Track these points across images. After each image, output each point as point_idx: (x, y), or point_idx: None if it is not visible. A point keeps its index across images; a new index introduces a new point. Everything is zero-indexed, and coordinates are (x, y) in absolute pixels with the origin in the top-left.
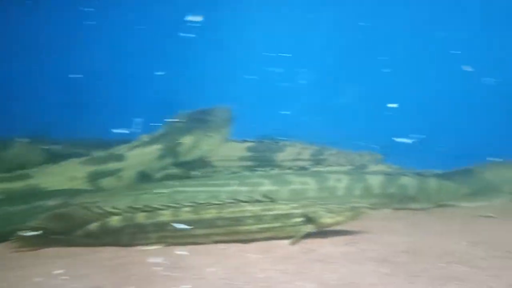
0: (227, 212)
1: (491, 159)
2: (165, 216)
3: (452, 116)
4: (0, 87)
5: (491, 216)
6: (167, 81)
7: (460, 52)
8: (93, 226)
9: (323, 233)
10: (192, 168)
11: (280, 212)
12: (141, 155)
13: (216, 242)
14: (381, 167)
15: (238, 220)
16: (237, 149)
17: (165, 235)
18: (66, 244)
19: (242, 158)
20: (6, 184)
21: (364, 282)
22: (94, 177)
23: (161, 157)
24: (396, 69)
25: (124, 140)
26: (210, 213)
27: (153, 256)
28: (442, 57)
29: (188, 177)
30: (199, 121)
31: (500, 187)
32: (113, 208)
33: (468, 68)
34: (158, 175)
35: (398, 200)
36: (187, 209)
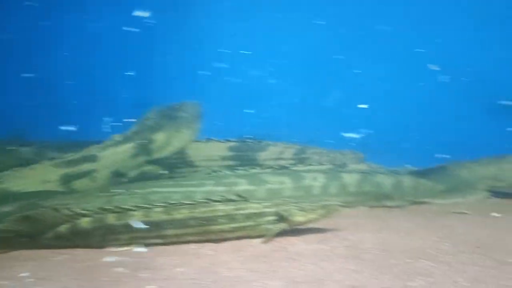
0: (199, 212)
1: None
2: (136, 217)
3: (420, 115)
4: None
5: (464, 213)
6: (136, 80)
7: (424, 50)
8: (63, 228)
9: (296, 231)
10: (173, 167)
11: (252, 211)
12: (114, 155)
13: (188, 242)
14: (362, 166)
15: (210, 220)
16: (220, 149)
17: (136, 236)
18: (36, 246)
19: (224, 158)
20: None
21: (330, 279)
22: (67, 179)
23: (135, 155)
24: (366, 70)
25: (97, 140)
26: (181, 213)
27: (122, 257)
28: (408, 57)
29: (170, 177)
30: (170, 117)
31: (474, 184)
32: (83, 209)
33: (435, 67)
34: (133, 173)
35: (374, 198)
36: (158, 209)
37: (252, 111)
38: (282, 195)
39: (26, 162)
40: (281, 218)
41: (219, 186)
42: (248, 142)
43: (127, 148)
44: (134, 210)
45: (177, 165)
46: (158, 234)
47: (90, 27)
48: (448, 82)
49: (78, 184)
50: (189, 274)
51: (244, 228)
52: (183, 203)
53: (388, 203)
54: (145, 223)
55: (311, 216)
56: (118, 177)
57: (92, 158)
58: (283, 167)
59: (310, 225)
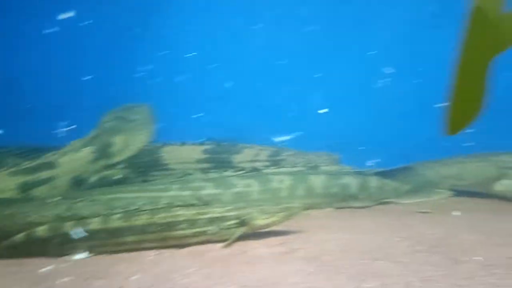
0: (159, 218)
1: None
2: (94, 224)
3: (374, 118)
4: None
5: (426, 212)
6: (94, 84)
7: (376, 51)
8: (19, 237)
9: (258, 234)
10: (147, 171)
11: (214, 215)
12: (73, 161)
13: (149, 248)
14: (335, 167)
15: (170, 225)
16: (194, 152)
17: (94, 244)
18: None
19: (199, 161)
20: None
21: (286, 281)
22: (25, 188)
23: (94, 160)
24: (326, 74)
25: (55, 147)
26: (141, 219)
27: (78, 266)
28: (362, 59)
29: (144, 180)
30: (125, 120)
31: (438, 183)
32: (40, 217)
33: (389, 70)
34: (93, 179)
35: (341, 199)
36: (117, 216)
37: (201, 114)
38: (249, 198)
39: None
40: (242, 222)
41: (184, 190)
42: (223, 144)
43: (87, 153)
44: (92, 218)
45: (151, 169)
46: (117, 241)
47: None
48: (400, 84)
49: (37, 192)
50: (145, 281)
51: (205, 233)
52: (143, 209)
53: (355, 204)
54: (104, 230)
55: (273, 219)
56: (78, 183)
57: (50, 165)
58: (254, 169)
59: (273, 228)
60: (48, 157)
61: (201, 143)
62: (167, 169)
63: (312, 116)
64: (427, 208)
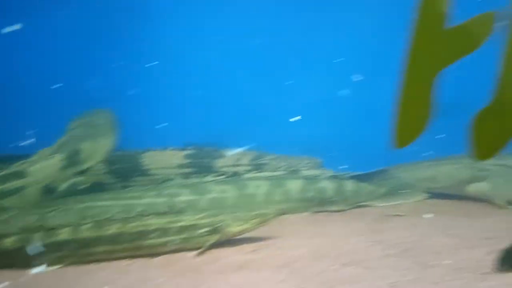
0: (130, 227)
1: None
2: (64, 234)
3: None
4: None
5: (401, 215)
6: (62, 92)
7: (344, 59)
8: None
9: (231, 241)
10: (128, 177)
11: (186, 223)
12: (44, 169)
13: (120, 258)
14: (316, 171)
15: (142, 235)
16: (176, 157)
17: (64, 254)
18: None
19: (180, 166)
20: None
21: None
22: None
23: (64, 167)
24: (297, 81)
25: (22, 156)
26: (112, 229)
27: (47, 278)
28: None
29: (124, 186)
30: (90, 126)
31: (414, 186)
32: (8, 228)
33: (358, 78)
34: (64, 186)
35: (317, 203)
36: (87, 226)
37: (166, 124)
38: (224, 204)
39: None
40: (215, 230)
41: (160, 197)
42: (205, 149)
43: (56, 160)
44: (62, 228)
45: (131, 174)
46: (87, 251)
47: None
48: (369, 90)
49: (6, 202)
50: None
51: (178, 241)
52: (113, 218)
53: (331, 208)
54: (74, 241)
55: (246, 226)
56: (49, 191)
57: (20, 174)
58: (235, 174)
59: (247, 234)
60: (17, 166)
61: (183, 148)
62: (147, 175)
63: (283, 123)
64: (402, 211)
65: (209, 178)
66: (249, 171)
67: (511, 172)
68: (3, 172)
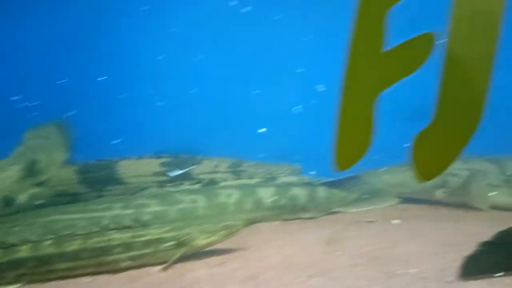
0: (93, 242)
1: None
2: (23, 252)
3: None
4: None
5: (371, 221)
6: (20, 104)
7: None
8: None
9: (199, 254)
10: (102, 186)
11: (151, 237)
12: (2, 180)
13: (82, 275)
14: (294, 178)
15: (105, 250)
16: (151, 165)
17: (23, 272)
18: None
19: (156, 174)
20: None
21: None
22: None
23: (22, 178)
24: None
25: None
26: (73, 245)
27: None
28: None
29: (99, 196)
30: (45, 137)
31: (386, 191)
32: None
33: (321, 88)
34: (23, 198)
35: (289, 211)
36: (48, 242)
37: (119, 140)
38: (194, 215)
39: None
40: (181, 243)
41: (127, 209)
42: (181, 157)
43: (14, 171)
44: (22, 245)
45: (106, 184)
46: (48, 269)
47: None
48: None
49: None
50: None
51: (142, 256)
52: (75, 233)
53: (303, 215)
54: (34, 258)
55: (213, 238)
56: (7, 204)
57: None
58: (212, 182)
59: (215, 246)
60: None
61: (159, 156)
62: (122, 183)
63: (251, 134)
64: (373, 217)
65: (184, 186)
66: (226, 178)
67: (480, 175)
68: None
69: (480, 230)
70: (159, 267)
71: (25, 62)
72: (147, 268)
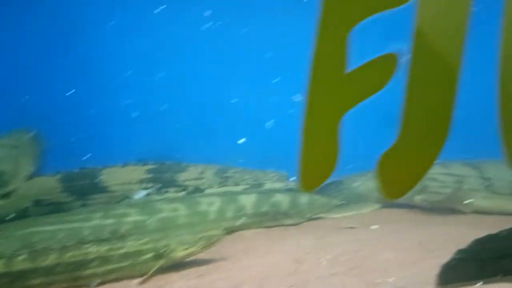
0: (68, 257)
1: None
2: None
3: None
4: None
5: (353, 227)
6: None
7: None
8: None
9: (178, 265)
10: (86, 195)
11: (128, 250)
12: None
13: None
14: (280, 185)
15: (81, 264)
16: (137, 172)
17: None
18: None
19: (142, 181)
20: None
21: None
22: None
23: None
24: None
25: None
26: (48, 259)
27: None
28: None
29: (83, 205)
30: (12, 147)
31: (368, 196)
32: None
33: (298, 98)
34: None
35: (271, 218)
36: (22, 257)
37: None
38: (175, 224)
39: None
40: (160, 255)
41: (107, 219)
42: (167, 163)
43: None
44: None
45: (90, 192)
46: (22, 285)
47: None
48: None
49: None
50: None
51: (120, 269)
52: (50, 247)
53: (286, 221)
54: (7, 274)
55: (192, 249)
56: None
57: None
58: (197, 189)
59: (195, 257)
60: None
61: (144, 163)
62: (107, 191)
63: (230, 145)
64: (355, 223)
65: (169, 194)
66: (211, 185)
67: (458, 179)
68: None
69: (460, 236)
70: (137, 280)
71: None
72: (125, 282)
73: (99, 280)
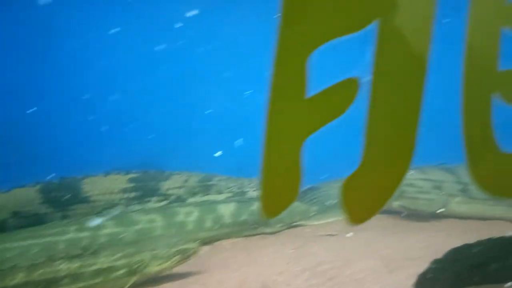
0: (38, 275)
1: None
2: None
3: None
4: None
5: (332, 234)
6: None
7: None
8: None
9: (153, 280)
10: (66, 206)
11: (101, 266)
12: None
13: None
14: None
15: (51, 282)
16: (119, 181)
17: None
18: None
19: (125, 190)
20: None
21: None
22: None
23: None
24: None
25: None
26: (16, 278)
27: None
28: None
29: (64, 216)
30: None
31: None
32: None
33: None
34: None
35: (250, 227)
36: None
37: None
38: (152, 235)
39: None
40: (133, 271)
41: (82, 231)
42: (150, 172)
43: None
44: None
45: (70, 203)
46: None
47: None
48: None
49: None
50: None
51: (91, 286)
52: (19, 265)
53: (265, 230)
54: None
55: (167, 264)
56: None
57: None
58: (178, 198)
59: (173, 270)
60: None
61: (127, 172)
62: (88, 202)
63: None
64: (333, 230)
65: (151, 204)
66: (194, 193)
67: (436, 185)
68: None
69: (438, 242)
70: None
71: None
72: None
73: None
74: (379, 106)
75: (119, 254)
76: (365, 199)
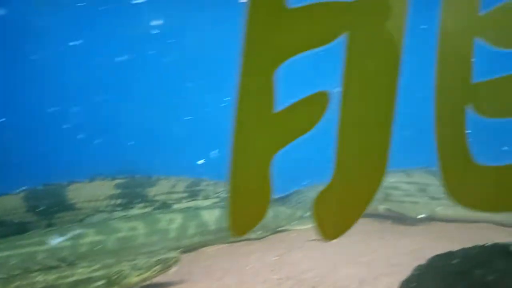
0: (14, 287)
1: None
2: None
3: None
4: None
5: (316, 240)
6: None
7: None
8: None
9: None
10: (51, 214)
11: (77, 278)
12: None
13: None
14: None
15: None
16: (105, 188)
17: None
18: None
19: (111, 197)
20: None
21: None
22: None
23: None
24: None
25: None
26: None
27: None
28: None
29: (49, 224)
30: None
31: None
32: None
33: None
34: None
35: None
36: None
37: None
38: (134, 243)
39: None
40: (112, 282)
41: (63, 241)
42: (137, 177)
43: None
44: None
45: (55, 211)
46: None
47: None
48: None
49: None
50: None
51: None
52: None
53: (251, 236)
54: None
55: (147, 274)
56: None
57: None
58: (164, 204)
59: (154, 280)
60: None
61: (113, 178)
62: (74, 209)
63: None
64: (317, 236)
65: (136, 210)
66: (181, 199)
67: (421, 188)
68: None
69: (423, 247)
70: None
71: None
72: None
73: None
74: (349, 119)
75: (98, 265)
76: (338, 213)
